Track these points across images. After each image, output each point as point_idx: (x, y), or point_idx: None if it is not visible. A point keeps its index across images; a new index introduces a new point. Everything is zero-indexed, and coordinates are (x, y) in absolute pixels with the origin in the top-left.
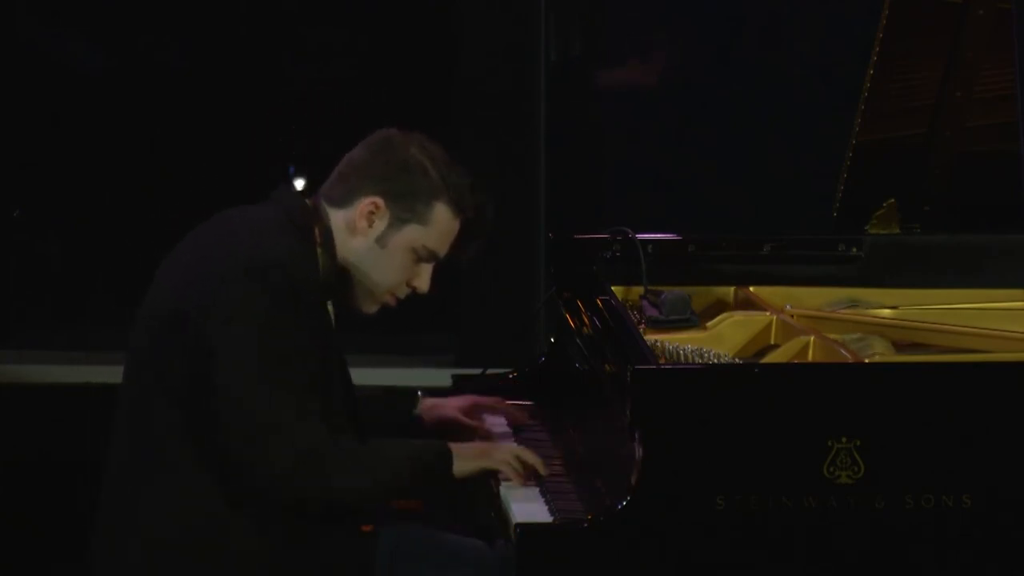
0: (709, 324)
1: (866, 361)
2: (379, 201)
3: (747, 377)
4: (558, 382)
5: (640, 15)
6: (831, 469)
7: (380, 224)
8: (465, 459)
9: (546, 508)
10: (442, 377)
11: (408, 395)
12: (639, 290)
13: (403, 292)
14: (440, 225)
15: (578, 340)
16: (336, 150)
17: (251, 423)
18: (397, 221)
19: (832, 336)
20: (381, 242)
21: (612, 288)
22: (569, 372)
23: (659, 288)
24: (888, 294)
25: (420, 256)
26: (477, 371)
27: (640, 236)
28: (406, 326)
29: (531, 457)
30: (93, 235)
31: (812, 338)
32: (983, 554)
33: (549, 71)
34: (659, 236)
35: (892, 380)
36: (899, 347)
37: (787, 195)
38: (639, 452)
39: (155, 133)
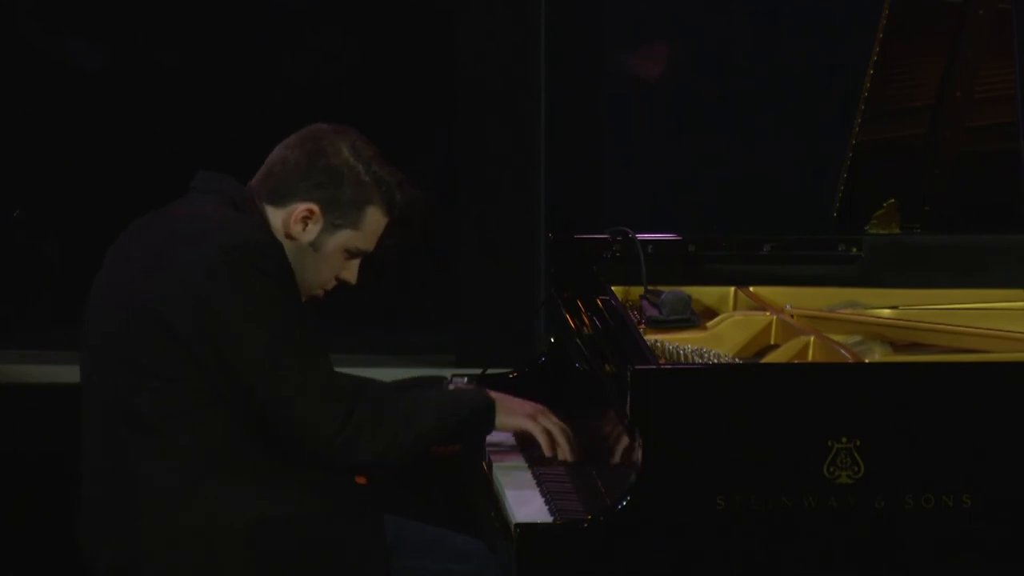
0: (709, 324)
1: (866, 361)
2: (314, 208)
3: (747, 377)
4: (558, 382)
5: (640, 15)
6: (831, 469)
7: (314, 229)
8: (510, 414)
9: (546, 508)
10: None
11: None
12: (639, 290)
13: (331, 285)
14: (372, 226)
15: (578, 340)
16: None
17: (290, 396)
18: (331, 227)
19: (832, 337)
20: (315, 246)
21: (612, 288)
22: (569, 372)
23: (659, 288)
24: (888, 294)
25: (351, 254)
26: (477, 371)
27: (640, 236)
28: (406, 326)
29: (567, 439)
30: (93, 235)
31: (812, 338)
32: (983, 554)
33: (549, 71)
34: (659, 236)
35: (892, 380)
36: (899, 347)
37: (787, 195)
38: (639, 452)
39: (155, 133)
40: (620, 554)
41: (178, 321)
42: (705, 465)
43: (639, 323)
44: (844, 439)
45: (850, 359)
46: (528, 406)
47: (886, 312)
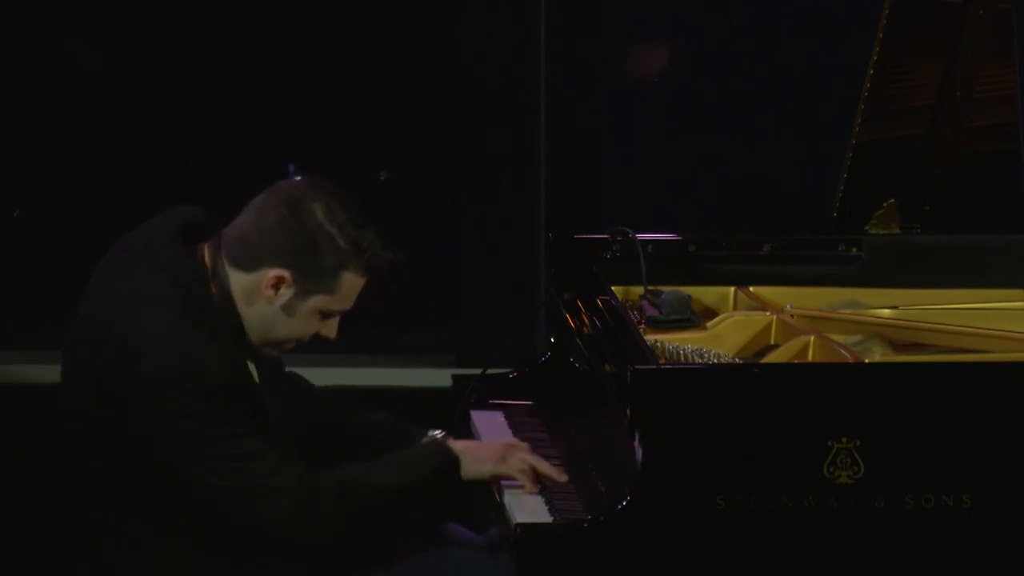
0: (709, 324)
1: (866, 361)
2: (286, 275)
3: (747, 377)
4: (558, 382)
5: (640, 15)
6: (831, 469)
7: (286, 293)
8: (477, 461)
9: (546, 508)
10: (442, 377)
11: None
12: (639, 290)
13: (307, 340)
14: (347, 290)
15: (578, 340)
16: (336, 150)
17: (236, 497)
18: (304, 292)
19: (832, 337)
20: (287, 310)
21: (612, 288)
22: (569, 372)
23: (659, 288)
24: (888, 294)
25: (326, 316)
26: (477, 371)
27: (640, 236)
28: (406, 326)
29: (546, 467)
30: (93, 235)
31: (812, 338)
32: (983, 554)
33: (549, 71)
34: (659, 236)
35: (892, 380)
36: (899, 347)
37: (787, 195)
38: (639, 452)
39: (155, 133)
40: (620, 554)
41: (120, 426)
42: (705, 465)
43: (639, 323)
44: (844, 439)
45: (850, 359)
46: (496, 449)
47: (886, 312)
